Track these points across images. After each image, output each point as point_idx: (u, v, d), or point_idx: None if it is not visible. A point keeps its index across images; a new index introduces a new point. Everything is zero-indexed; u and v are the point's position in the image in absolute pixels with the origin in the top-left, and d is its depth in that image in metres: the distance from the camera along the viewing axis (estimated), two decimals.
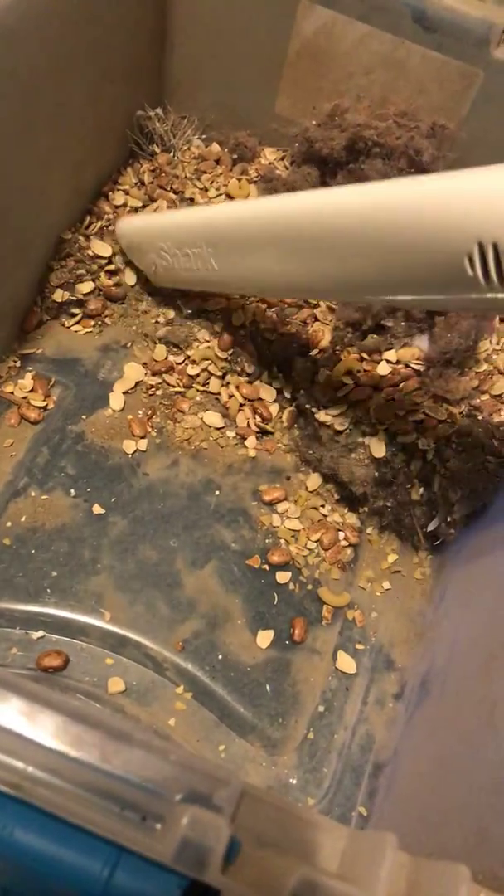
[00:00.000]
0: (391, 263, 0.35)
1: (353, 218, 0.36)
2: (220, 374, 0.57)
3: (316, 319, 0.56)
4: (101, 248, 0.58)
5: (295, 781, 0.45)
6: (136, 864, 0.25)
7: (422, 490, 0.49)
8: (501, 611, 0.39)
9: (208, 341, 0.56)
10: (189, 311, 0.58)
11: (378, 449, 0.48)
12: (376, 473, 0.49)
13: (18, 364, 0.56)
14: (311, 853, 0.25)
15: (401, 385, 0.50)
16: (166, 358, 0.57)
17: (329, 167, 0.60)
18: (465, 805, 0.33)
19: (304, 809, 0.26)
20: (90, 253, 0.58)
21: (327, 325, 0.55)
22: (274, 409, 0.56)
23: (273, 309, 0.57)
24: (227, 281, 0.49)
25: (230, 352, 0.57)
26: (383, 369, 0.50)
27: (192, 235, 0.49)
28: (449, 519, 0.48)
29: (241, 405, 0.57)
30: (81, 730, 0.24)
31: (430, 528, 0.50)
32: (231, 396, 0.57)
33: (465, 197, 0.31)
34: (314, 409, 0.52)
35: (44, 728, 0.25)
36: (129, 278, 0.59)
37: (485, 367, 0.53)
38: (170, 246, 0.51)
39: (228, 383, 0.57)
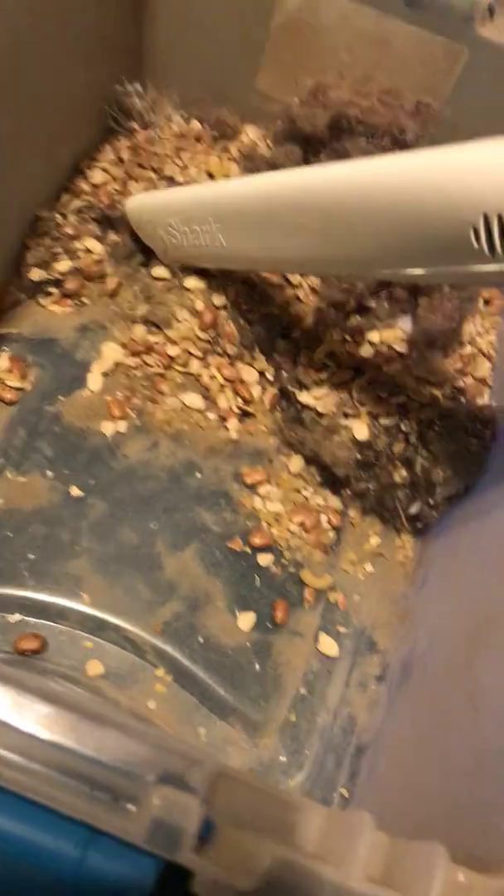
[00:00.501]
0: (398, 236, 0.35)
1: (359, 191, 0.36)
2: (200, 354, 0.56)
3: (299, 300, 0.55)
4: (92, 245, 0.58)
5: (276, 764, 0.45)
6: (111, 846, 0.25)
7: (404, 472, 0.48)
8: (482, 593, 0.38)
9: (188, 321, 0.56)
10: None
11: (361, 431, 0.47)
12: (359, 456, 0.49)
13: None
14: (287, 834, 0.24)
15: (384, 367, 0.49)
16: (145, 338, 0.56)
17: (312, 145, 0.59)
18: (444, 785, 0.33)
19: (282, 790, 0.26)
20: (67, 231, 0.57)
21: (310, 305, 0.55)
22: (256, 390, 0.56)
23: (256, 289, 0.56)
24: (237, 257, 0.48)
25: (211, 332, 0.56)
26: (366, 351, 0.50)
27: (200, 211, 0.48)
28: (431, 501, 0.48)
29: (223, 386, 0.56)
30: (53, 711, 0.24)
31: (413, 510, 0.50)
32: (212, 378, 0.56)
33: (470, 169, 0.31)
34: (296, 391, 0.52)
35: (15, 710, 0.24)
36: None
37: (468, 349, 0.53)
38: (178, 223, 0.51)
39: (209, 364, 0.56)
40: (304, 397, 0.51)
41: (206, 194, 0.49)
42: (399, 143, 0.56)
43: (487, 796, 0.29)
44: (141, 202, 0.56)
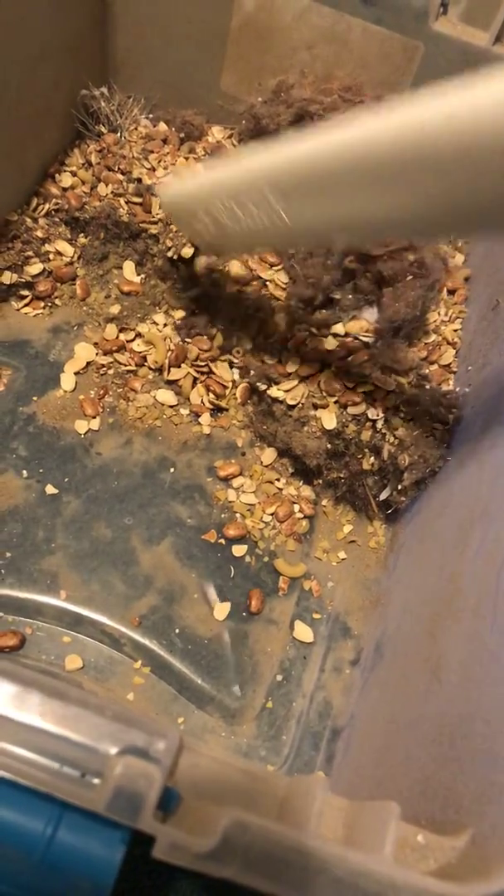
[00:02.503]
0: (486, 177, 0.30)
1: (448, 128, 0.30)
2: (172, 351, 0.56)
3: (268, 297, 0.56)
4: (63, 247, 0.59)
5: (255, 750, 0.46)
6: (79, 822, 0.26)
7: (372, 459, 0.49)
8: (445, 572, 0.39)
9: (160, 320, 0.56)
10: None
11: (329, 421, 0.48)
12: (328, 445, 0.49)
13: None
14: (249, 802, 0.25)
15: (350, 357, 0.50)
16: (117, 337, 0.57)
17: None
18: (411, 757, 0.34)
19: (244, 761, 0.27)
20: (38, 235, 0.58)
21: (280, 301, 0.55)
22: (228, 386, 0.56)
23: (226, 288, 0.57)
24: (298, 232, 0.42)
25: (182, 331, 0.57)
26: (330, 344, 0.51)
27: (255, 186, 0.41)
28: (400, 487, 0.49)
29: (195, 382, 0.57)
30: (17, 690, 0.24)
31: (383, 496, 0.51)
32: (185, 375, 0.57)
33: None
34: (266, 386, 0.53)
35: None
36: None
37: (433, 337, 0.54)
38: (226, 202, 0.43)
39: (181, 361, 0.57)
40: (273, 391, 0.51)
41: (258, 165, 0.41)
42: None
43: (448, 763, 0.30)
44: (179, 187, 0.50)
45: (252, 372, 0.53)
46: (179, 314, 0.59)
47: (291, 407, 0.52)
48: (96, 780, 0.24)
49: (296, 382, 0.52)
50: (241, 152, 0.50)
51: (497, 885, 0.22)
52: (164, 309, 0.59)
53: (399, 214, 0.35)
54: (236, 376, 0.57)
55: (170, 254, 0.57)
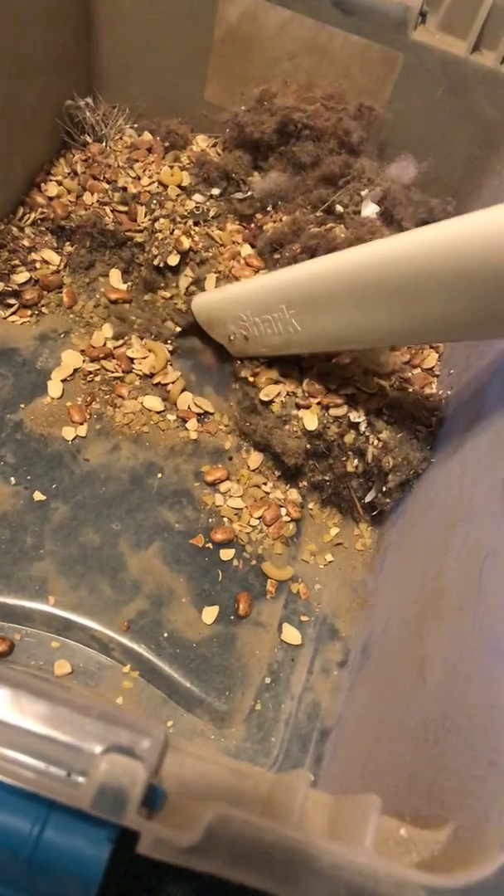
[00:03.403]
0: (481, 300, 0.35)
1: (445, 254, 0.35)
2: (163, 357, 0.57)
3: None
4: (49, 256, 0.59)
5: (244, 752, 0.46)
6: (65, 821, 0.26)
7: (357, 462, 0.50)
8: (430, 572, 0.40)
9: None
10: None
11: (311, 421, 0.49)
12: (308, 445, 0.50)
13: None
14: (234, 798, 0.25)
15: (333, 360, 0.51)
16: (104, 344, 0.57)
17: (261, 151, 0.61)
18: (397, 755, 0.34)
19: (230, 759, 0.27)
20: (24, 244, 0.58)
21: None
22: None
23: None
24: (312, 339, 0.47)
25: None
26: None
27: (271, 299, 0.48)
28: (384, 489, 0.50)
29: (182, 389, 0.57)
30: (2, 691, 0.25)
31: (368, 498, 0.52)
32: (173, 382, 0.57)
33: None
34: (250, 386, 0.53)
35: None
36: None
37: None
38: (249, 315, 0.50)
39: (168, 367, 0.58)
40: (257, 390, 0.52)
41: (277, 282, 0.48)
42: (345, 145, 0.58)
43: (432, 759, 0.30)
44: (208, 300, 0.56)
45: (237, 368, 0.54)
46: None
47: (273, 404, 0.52)
48: (81, 779, 0.24)
49: (279, 382, 0.52)
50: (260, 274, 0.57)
51: (477, 874, 0.22)
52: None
53: (393, 327, 0.41)
54: None
55: (156, 262, 0.58)
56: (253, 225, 0.60)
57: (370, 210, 0.54)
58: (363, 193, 0.54)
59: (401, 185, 0.55)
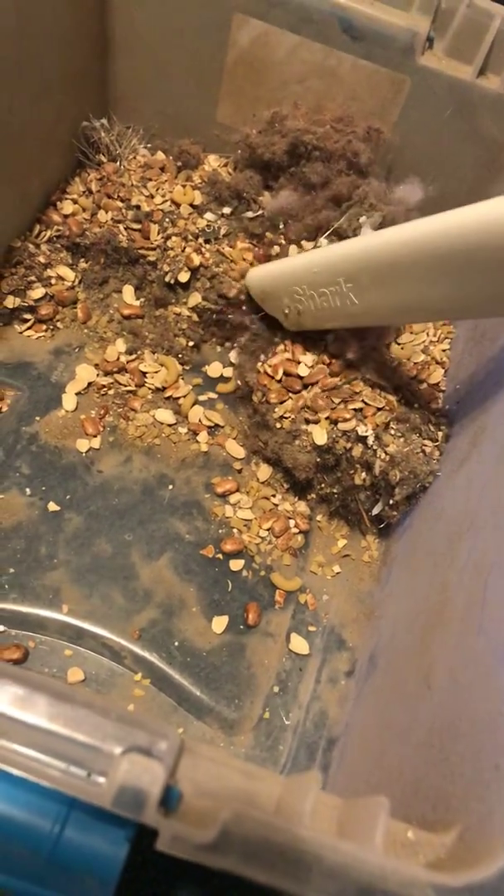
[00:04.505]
0: None
1: (493, 228, 0.36)
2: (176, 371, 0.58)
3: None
4: (64, 272, 0.61)
5: (252, 760, 0.47)
6: (85, 820, 0.27)
7: (364, 475, 0.51)
8: (436, 583, 0.41)
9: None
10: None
11: (320, 436, 0.50)
12: (318, 459, 0.51)
13: None
14: (247, 798, 0.26)
15: (340, 375, 0.52)
16: (118, 358, 0.59)
17: (271, 171, 0.62)
18: (404, 761, 0.35)
19: (242, 762, 0.28)
20: (40, 260, 0.60)
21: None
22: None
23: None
24: (368, 312, 0.48)
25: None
26: (303, 371, 0.53)
27: (329, 274, 0.48)
28: (391, 502, 0.51)
29: (194, 402, 0.58)
30: (25, 692, 0.26)
31: (375, 511, 0.53)
32: (185, 395, 0.59)
33: None
34: (261, 401, 0.54)
35: None
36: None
37: (422, 357, 0.56)
38: (305, 288, 0.51)
39: (180, 381, 0.59)
40: (269, 407, 0.53)
41: (334, 256, 0.48)
42: (354, 167, 0.59)
43: (438, 764, 0.31)
44: (262, 274, 0.57)
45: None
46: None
47: (284, 420, 0.53)
48: (101, 779, 0.25)
49: (288, 398, 0.53)
50: (321, 245, 0.57)
51: (482, 873, 0.23)
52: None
53: (446, 302, 0.42)
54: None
55: (167, 279, 0.60)
56: (263, 243, 0.61)
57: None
58: (361, 220, 0.54)
59: (405, 208, 0.56)
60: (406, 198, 0.56)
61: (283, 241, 0.59)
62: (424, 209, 0.58)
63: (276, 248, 0.59)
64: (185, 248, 0.60)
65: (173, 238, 0.60)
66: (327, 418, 0.50)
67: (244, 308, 0.60)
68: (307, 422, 0.51)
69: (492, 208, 0.36)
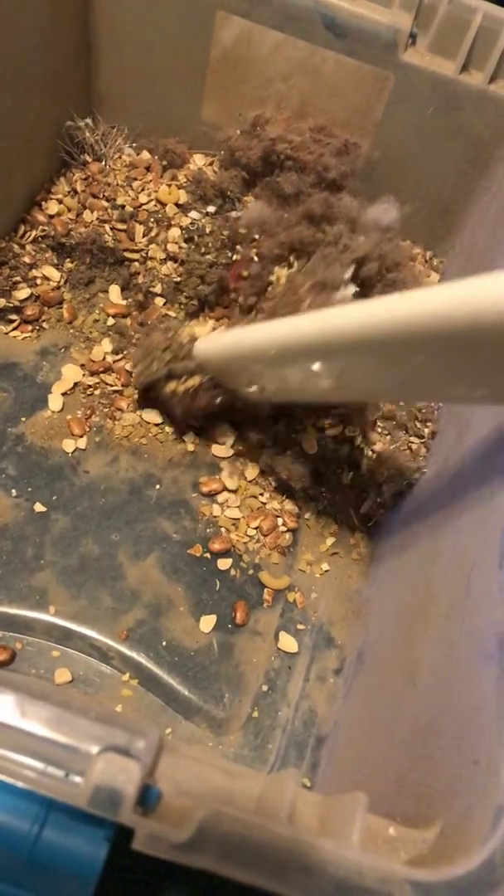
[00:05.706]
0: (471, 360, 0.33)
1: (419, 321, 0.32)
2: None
3: None
4: (50, 272, 0.61)
5: (241, 759, 0.47)
6: (64, 821, 0.27)
7: (351, 473, 0.51)
8: (421, 579, 0.41)
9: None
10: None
11: (310, 445, 0.50)
12: (311, 466, 0.51)
13: None
14: (227, 797, 0.26)
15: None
16: (104, 358, 0.59)
17: (250, 176, 0.62)
18: (388, 758, 0.35)
19: (225, 761, 0.28)
20: (25, 261, 0.60)
21: None
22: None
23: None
24: (338, 389, 0.43)
25: (167, 353, 0.59)
26: None
27: (290, 357, 0.43)
28: (379, 499, 0.51)
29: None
30: (3, 694, 0.26)
31: (363, 509, 0.52)
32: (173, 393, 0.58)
33: None
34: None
35: None
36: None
37: None
38: (262, 368, 0.46)
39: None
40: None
41: (294, 336, 0.41)
42: (324, 181, 0.59)
43: (421, 761, 0.31)
44: (213, 348, 0.50)
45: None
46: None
47: (275, 433, 0.53)
48: (78, 779, 0.25)
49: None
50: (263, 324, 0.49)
51: (460, 869, 0.23)
52: None
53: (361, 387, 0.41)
54: None
55: (150, 288, 0.59)
56: (236, 257, 0.59)
57: (349, 291, 0.49)
58: (346, 276, 0.49)
59: (380, 228, 0.55)
60: (380, 219, 0.55)
61: (257, 259, 0.57)
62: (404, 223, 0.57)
63: (248, 271, 0.57)
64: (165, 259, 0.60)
65: (153, 246, 0.60)
66: (314, 425, 0.50)
67: None
68: (295, 432, 0.51)
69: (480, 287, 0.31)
